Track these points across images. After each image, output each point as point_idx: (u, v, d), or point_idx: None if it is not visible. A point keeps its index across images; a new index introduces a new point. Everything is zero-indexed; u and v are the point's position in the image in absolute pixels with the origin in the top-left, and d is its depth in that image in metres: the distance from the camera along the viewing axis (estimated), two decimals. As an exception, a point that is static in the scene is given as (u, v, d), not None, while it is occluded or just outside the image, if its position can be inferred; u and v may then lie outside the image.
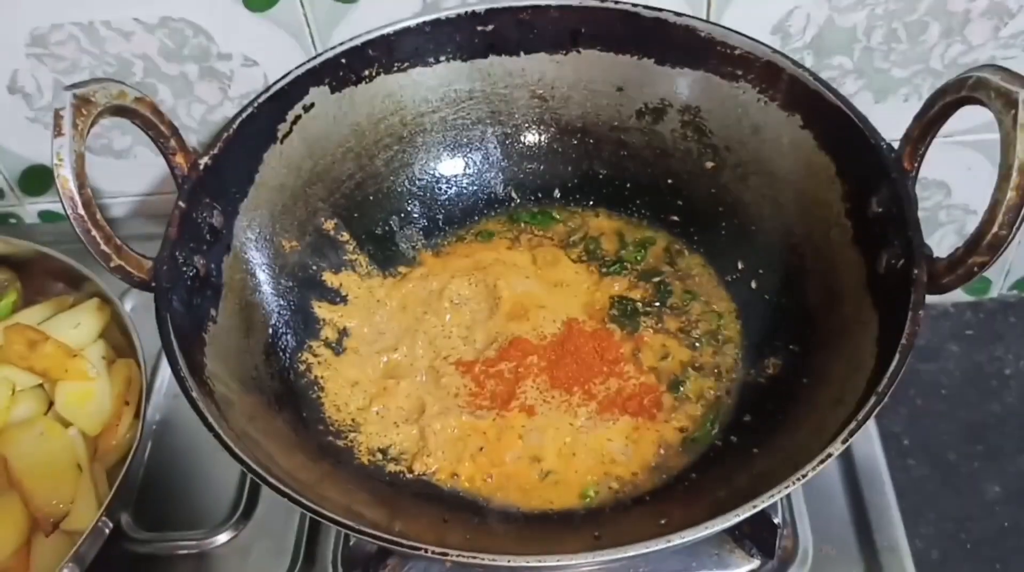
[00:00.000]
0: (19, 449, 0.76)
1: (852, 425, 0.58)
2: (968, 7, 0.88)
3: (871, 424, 0.86)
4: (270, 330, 0.79)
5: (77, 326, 0.84)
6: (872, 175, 0.70)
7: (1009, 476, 1.06)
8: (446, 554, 0.55)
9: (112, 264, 0.66)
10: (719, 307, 0.84)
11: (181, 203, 0.72)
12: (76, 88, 0.65)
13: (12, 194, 1.08)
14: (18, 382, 0.81)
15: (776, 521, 0.74)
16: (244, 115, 0.77)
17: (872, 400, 0.59)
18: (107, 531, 0.73)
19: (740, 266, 0.84)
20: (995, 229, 0.59)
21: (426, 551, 0.55)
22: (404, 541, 0.56)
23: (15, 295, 0.90)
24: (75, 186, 0.63)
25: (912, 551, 0.77)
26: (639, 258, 0.88)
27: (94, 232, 0.64)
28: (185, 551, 0.82)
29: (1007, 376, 1.15)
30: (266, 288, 0.80)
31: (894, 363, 0.60)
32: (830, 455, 0.57)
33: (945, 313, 1.21)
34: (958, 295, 1.21)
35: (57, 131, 0.63)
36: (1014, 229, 0.58)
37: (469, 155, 0.91)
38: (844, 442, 0.57)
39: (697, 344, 0.82)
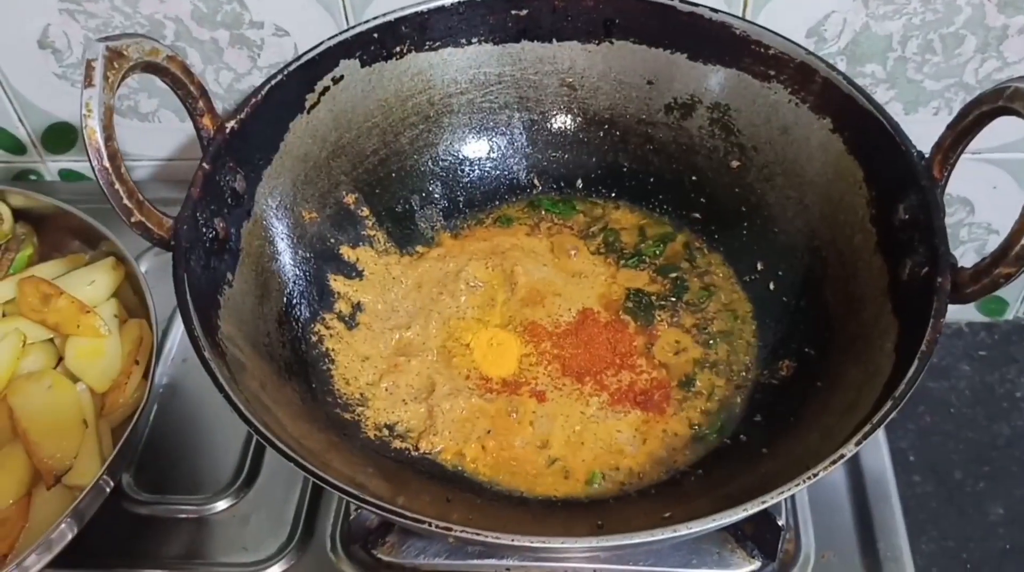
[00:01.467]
0: (26, 401, 0.76)
1: (867, 428, 0.57)
2: (1007, 23, 0.87)
3: (881, 435, 0.85)
4: (285, 299, 0.78)
5: (91, 283, 0.83)
6: (901, 182, 0.70)
7: (1014, 499, 1.05)
8: (450, 529, 0.55)
9: (133, 219, 0.66)
10: (735, 306, 0.83)
11: (205, 165, 0.72)
12: (109, 41, 0.64)
13: (35, 150, 1.08)
14: (30, 334, 0.81)
15: (780, 523, 0.73)
16: (273, 82, 0.77)
17: (888, 404, 0.58)
18: (108, 489, 0.73)
19: (759, 267, 0.83)
20: (1024, 240, 0.58)
21: (430, 524, 0.55)
22: (409, 513, 0.56)
23: (31, 249, 0.90)
24: (102, 138, 0.63)
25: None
26: (658, 253, 0.87)
27: (118, 186, 0.64)
28: (184, 515, 0.81)
29: (1017, 398, 1.14)
30: (284, 257, 0.79)
31: (912, 369, 0.59)
32: (843, 456, 0.56)
33: (959, 333, 1.20)
34: (973, 315, 1.20)
35: (88, 82, 0.63)
36: (1044, 241, 0.57)
37: (494, 139, 0.91)
38: (858, 444, 0.57)
39: (711, 342, 0.81)
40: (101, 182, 0.64)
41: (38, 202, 0.92)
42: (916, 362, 0.60)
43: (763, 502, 0.55)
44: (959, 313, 1.15)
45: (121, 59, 0.65)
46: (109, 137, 0.63)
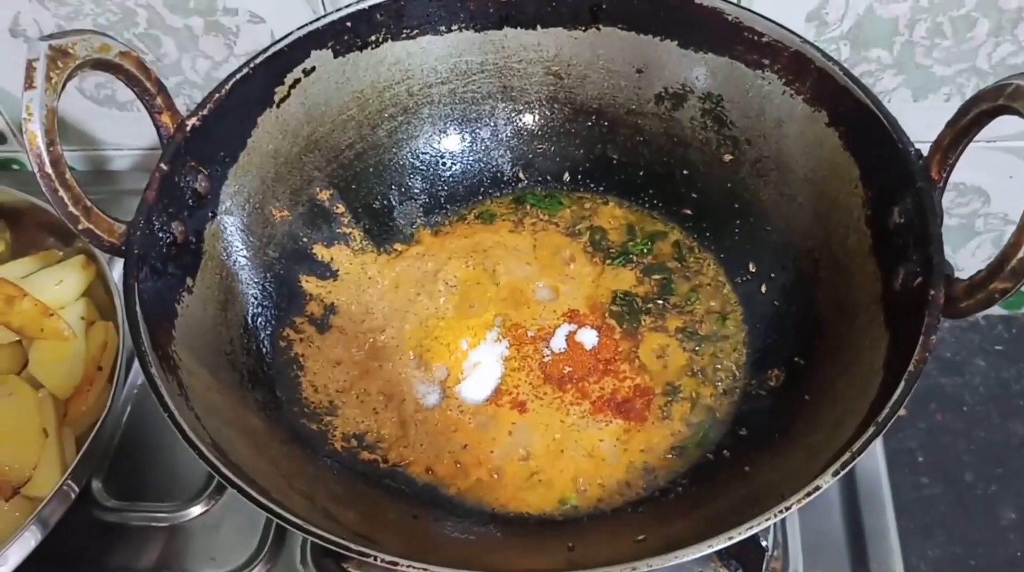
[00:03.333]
0: (-14, 408, 0.74)
1: (845, 457, 0.53)
2: (1022, 5, 0.81)
3: (877, 441, 0.81)
4: (251, 303, 0.75)
5: (59, 283, 0.81)
6: (897, 182, 0.65)
7: (1026, 503, 1.01)
8: (396, 564, 0.52)
9: (80, 227, 0.63)
10: (725, 310, 0.79)
11: (163, 166, 0.69)
12: (53, 39, 0.61)
13: (15, 139, 1.06)
14: (-7, 337, 0.79)
15: (764, 544, 0.69)
16: (238, 76, 0.73)
17: (870, 431, 0.54)
18: (72, 496, 0.71)
19: (752, 268, 0.79)
20: (1021, 253, 0.53)
21: (375, 559, 0.52)
22: (353, 547, 0.53)
23: (3, 245, 0.88)
24: (44, 143, 0.60)
25: (917, 574, 0.73)
26: (646, 251, 0.83)
27: (61, 192, 0.61)
28: (155, 523, 0.79)
29: (1034, 397, 1.09)
30: (250, 258, 0.76)
31: (898, 392, 0.55)
32: (818, 488, 0.53)
33: (975, 325, 1.15)
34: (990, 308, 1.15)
35: (28, 83, 0.60)
36: (1043, 256, 0.53)
37: (477, 131, 0.87)
38: (835, 475, 0.53)
39: (698, 348, 0.77)
40: (44, 189, 0.61)
41: (12, 197, 0.89)
42: (903, 384, 0.55)
43: (730, 538, 0.52)
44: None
45: (66, 58, 0.62)
46: (52, 141, 0.60)
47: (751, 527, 0.51)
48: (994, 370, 1.12)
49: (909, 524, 0.98)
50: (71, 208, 0.62)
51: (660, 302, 0.80)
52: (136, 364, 0.87)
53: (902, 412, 1.08)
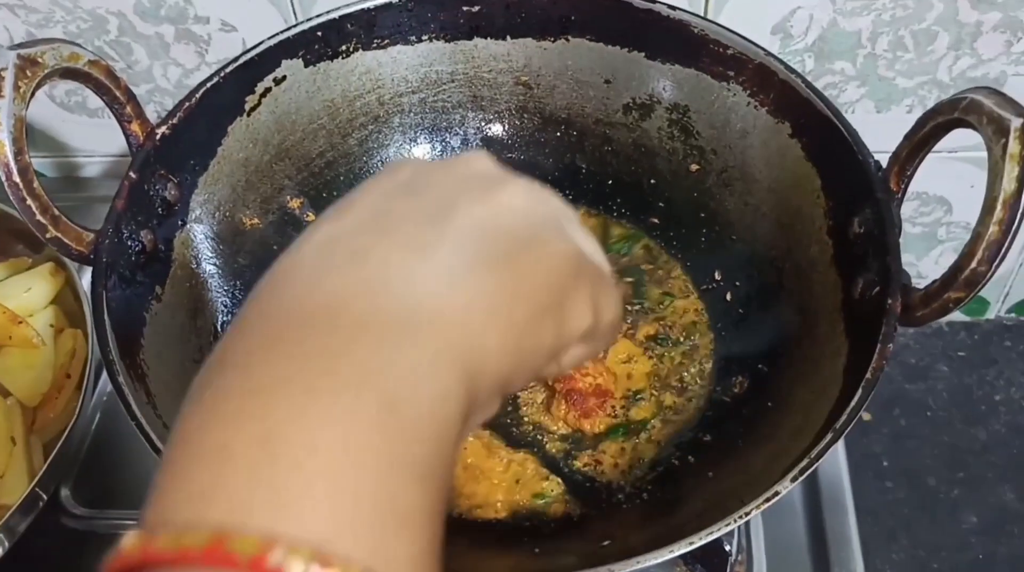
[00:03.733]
0: (-47, 416, 0.74)
1: (804, 463, 0.55)
2: (980, 19, 0.83)
3: (839, 445, 0.83)
4: (221, 311, 0.76)
5: (28, 290, 0.81)
6: (857, 193, 0.66)
7: (988, 507, 1.03)
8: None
9: (48, 235, 0.63)
10: (693, 317, 0.80)
11: (132, 174, 0.69)
12: (21, 48, 0.61)
13: (-16, 146, 1.05)
14: (-39, 346, 0.79)
15: (728, 548, 0.71)
16: (209, 84, 0.74)
17: (828, 437, 0.56)
18: (40, 504, 0.71)
19: (717, 276, 0.80)
20: (974, 264, 0.55)
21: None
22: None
23: (-29, 253, 0.88)
24: (11, 152, 0.60)
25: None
26: (622, 251, 0.84)
27: (29, 201, 0.61)
28: (124, 531, 0.78)
29: (996, 402, 1.11)
30: (221, 266, 0.77)
31: (855, 399, 0.56)
32: (777, 493, 0.54)
33: (939, 332, 1.17)
34: (953, 314, 1.17)
35: (-4, 93, 0.60)
36: (993, 266, 0.54)
37: (447, 140, 0.88)
38: (793, 480, 0.54)
39: (665, 353, 0.78)
40: (12, 198, 0.61)
41: (-21, 204, 0.89)
42: (860, 392, 0.57)
43: (691, 543, 0.52)
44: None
45: (35, 67, 0.62)
46: (20, 150, 0.60)
47: (711, 532, 0.52)
48: (957, 376, 1.13)
49: (873, 528, 0.99)
50: (39, 217, 0.62)
51: (628, 307, 0.81)
52: (105, 372, 0.87)
53: (866, 417, 1.09)
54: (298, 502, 0.27)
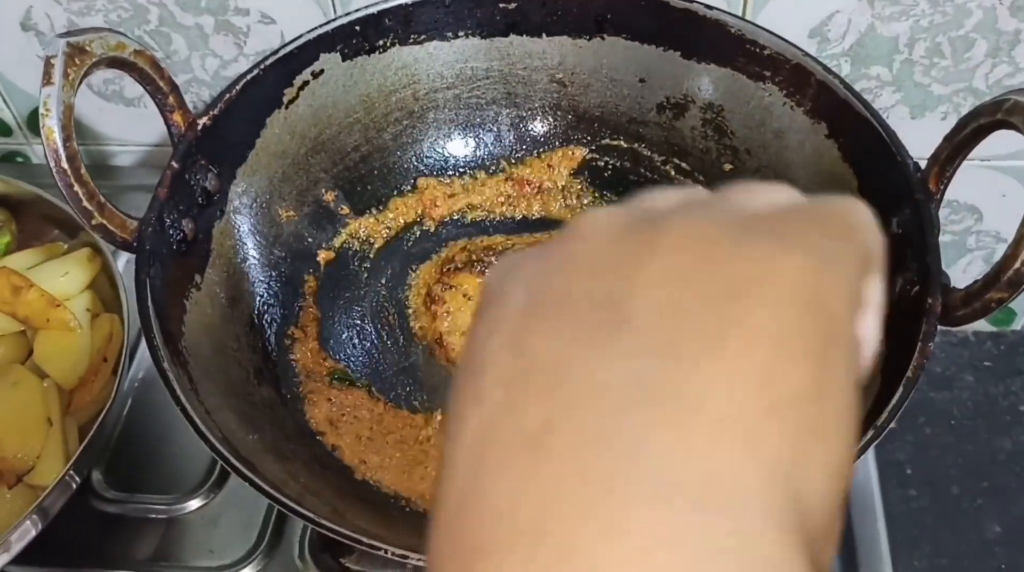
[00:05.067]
0: (-9, 397, 0.74)
1: (843, 460, 0.54)
2: (1019, 27, 0.83)
3: (868, 452, 0.83)
4: (257, 301, 0.76)
5: (65, 275, 0.82)
6: (895, 194, 0.66)
7: (1011, 517, 1.02)
8: (407, 557, 0.53)
9: (93, 222, 0.64)
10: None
11: (174, 163, 0.70)
12: (71, 36, 0.62)
13: (20, 133, 1.07)
14: (-1, 327, 0.80)
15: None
16: (249, 77, 0.74)
17: (869, 434, 0.56)
18: (74, 486, 0.71)
19: (750, 276, 0.81)
20: (1017, 265, 0.55)
21: (386, 551, 0.53)
22: (363, 539, 0.54)
23: (9, 237, 0.89)
24: (60, 138, 0.61)
25: (903, 585, 0.74)
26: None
27: (76, 187, 0.62)
28: (154, 515, 0.80)
29: (1021, 412, 1.11)
30: (257, 257, 0.77)
31: (896, 397, 0.57)
32: (816, 489, 0.53)
33: (964, 341, 1.17)
34: (980, 324, 1.16)
35: (46, 79, 0.61)
36: (1037, 267, 0.54)
37: (481, 136, 0.88)
38: (833, 477, 0.54)
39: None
40: (60, 184, 0.62)
41: (18, 188, 0.90)
42: (901, 390, 0.57)
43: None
44: (965, 321, 1.11)
45: (83, 55, 0.63)
46: (68, 137, 0.61)
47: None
48: (982, 386, 1.13)
49: (896, 535, 0.98)
50: (86, 203, 0.63)
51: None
52: (138, 358, 0.88)
53: (892, 424, 1.09)
54: None
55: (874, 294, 0.31)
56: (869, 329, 0.30)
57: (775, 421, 0.23)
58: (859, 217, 0.30)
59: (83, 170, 0.62)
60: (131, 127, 1.04)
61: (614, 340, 0.23)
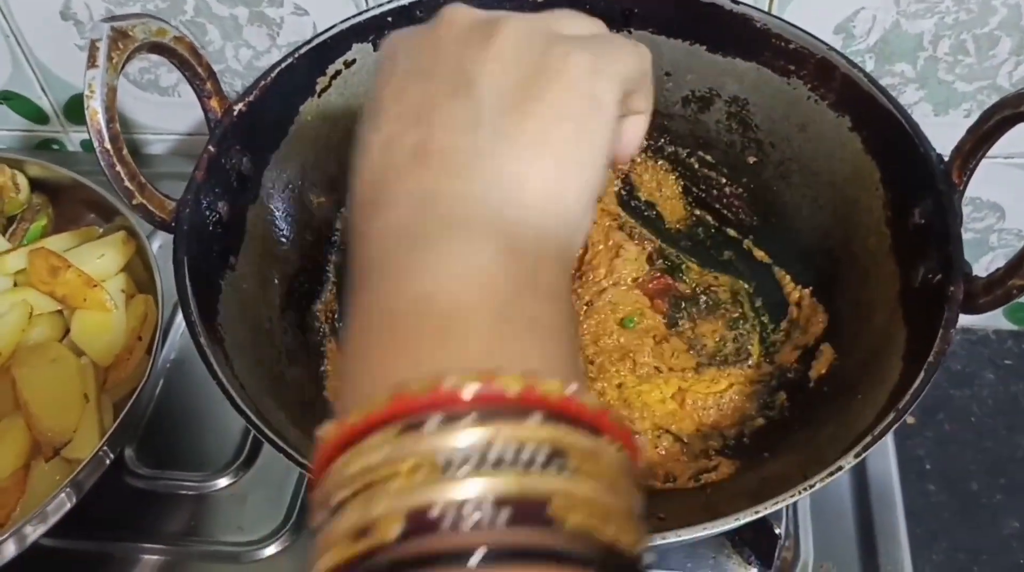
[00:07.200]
0: (30, 373, 0.76)
1: (867, 440, 0.56)
2: (1043, 23, 0.84)
3: (889, 443, 0.84)
4: (288, 283, 0.78)
5: (101, 257, 0.84)
6: (919, 185, 0.67)
7: (1030, 513, 1.03)
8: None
9: (134, 202, 0.65)
10: (746, 307, 0.82)
11: (211, 147, 0.71)
12: (115, 21, 0.64)
13: (57, 120, 1.09)
14: (37, 305, 0.81)
15: (777, 531, 0.71)
16: (283, 65, 0.76)
17: (891, 416, 0.57)
18: (108, 461, 0.73)
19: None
20: (1040, 252, 0.56)
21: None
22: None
23: (46, 220, 0.91)
24: (104, 119, 0.63)
25: (920, 580, 0.75)
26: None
27: (119, 167, 0.64)
28: (184, 491, 0.82)
29: (1041, 411, 1.11)
30: (289, 241, 0.79)
31: (918, 380, 0.57)
32: (840, 468, 0.55)
33: (985, 339, 1.17)
34: (1000, 323, 1.17)
35: (91, 62, 0.63)
36: (1060, 256, 0.55)
37: (509, 126, 0.89)
38: (857, 456, 0.55)
39: (721, 342, 0.80)
40: (103, 163, 0.63)
41: (55, 173, 0.92)
42: (923, 374, 0.58)
43: (756, 512, 0.54)
44: (986, 320, 1.12)
45: (126, 39, 0.65)
46: (111, 118, 0.63)
47: (777, 502, 0.54)
48: (1003, 383, 1.13)
49: (915, 529, 0.99)
50: (127, 183, 0.65)
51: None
52: (170, 341, 0.90)
53: (910, 420, 1.09)
54: (454, 341, 0.31)
55: (643, 104, 0.46)
56: (636, 128, 0.47)
57: (548, 149, 0.38)
58: (639, 49, 0.44)
59: (125, 151, 0.64)
60: (165, 116, 1.06)
61: (462, 94, 0.38)
